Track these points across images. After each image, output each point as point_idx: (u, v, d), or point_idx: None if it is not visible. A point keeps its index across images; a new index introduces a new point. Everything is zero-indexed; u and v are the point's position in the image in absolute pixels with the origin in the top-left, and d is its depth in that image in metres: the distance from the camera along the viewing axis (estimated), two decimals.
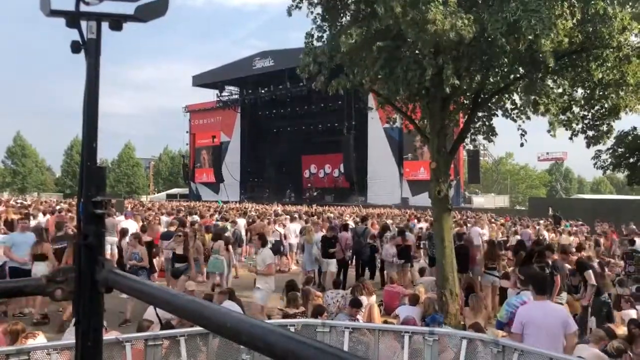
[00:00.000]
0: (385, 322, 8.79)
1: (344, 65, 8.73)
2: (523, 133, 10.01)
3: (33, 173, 76.36)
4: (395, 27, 7.62)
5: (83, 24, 1.28)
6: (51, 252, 10.21)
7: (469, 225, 19.12)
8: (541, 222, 25.38)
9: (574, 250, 12.80)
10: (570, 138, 9.94)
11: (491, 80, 9.25)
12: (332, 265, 13.34)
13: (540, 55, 7.37)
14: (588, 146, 10.20)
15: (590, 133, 9.91)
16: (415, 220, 22.50)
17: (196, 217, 20.43)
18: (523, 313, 5.96)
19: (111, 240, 14.58)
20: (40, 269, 9.58)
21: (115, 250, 14.33)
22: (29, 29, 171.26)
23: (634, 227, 22.30)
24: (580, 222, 26.15)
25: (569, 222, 26.05)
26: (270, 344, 0.81)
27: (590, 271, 9.41)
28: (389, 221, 21.09)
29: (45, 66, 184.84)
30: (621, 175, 16.77)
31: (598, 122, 9.69)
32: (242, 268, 16.27)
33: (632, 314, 8.63)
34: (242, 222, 18.41)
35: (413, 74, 7.80)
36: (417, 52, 7.60)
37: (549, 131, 9.51)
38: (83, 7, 1.26)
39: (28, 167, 75.63)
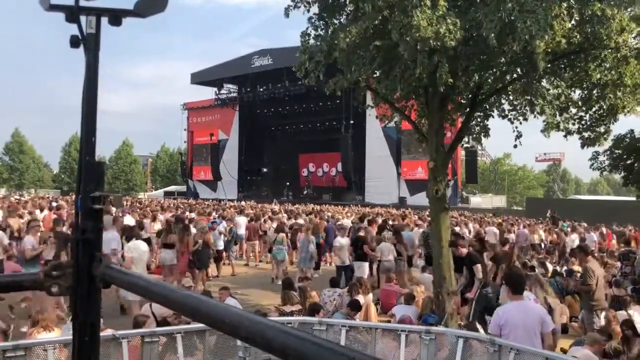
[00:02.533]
0: (389, 321, 8.82)
1: (341, 63, 8.71)
2: (519, 135, 10.04)
3: (30, 169, 76.22)
4: (388, 27, 7.63)
5: (82, 18, 1.28)
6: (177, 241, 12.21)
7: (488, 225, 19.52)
8: (535, 221, 25.47)
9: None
10: (565, 136, 9.95)
11: (489, 80, 9.26)
12: (364, 269, 12.61)
13: (535, 56, 7.38)
14: (583, 147, 10.23)
15: (586, 134, 9.92)
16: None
17: (192, 214, 20.46)
18: (500, 314, 5.99)
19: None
20: (166, 256, 11.94)
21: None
22: (28, 25, 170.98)
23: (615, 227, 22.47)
24: (577, 223, 26.23)
25: (566, 222, 26.13)
26: (268, 339, 0.81)
27: (479, 265, 9.52)
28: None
29: (43, 62, 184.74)
30: (618, 177, 16.83)
31: (595, 124, 9.70)
32: (237, 266, 16.30)
33: (624, 314, 8.66)
34: (241, 220, 18.38)
35: (411, 73, 7.80)
36: (406, 52, 7.57)
37: (542, 131, 9.53)
38: (82, 2, 1.26)
39: (25, 164, 75.48)
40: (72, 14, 1.25)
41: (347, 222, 18.38)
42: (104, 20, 1.30)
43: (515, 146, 10.04)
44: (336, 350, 0.73)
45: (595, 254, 15.93)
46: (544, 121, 9.49)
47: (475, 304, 9.14)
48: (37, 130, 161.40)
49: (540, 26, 6.80)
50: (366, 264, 12.69)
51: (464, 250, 9.93)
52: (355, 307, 8.33)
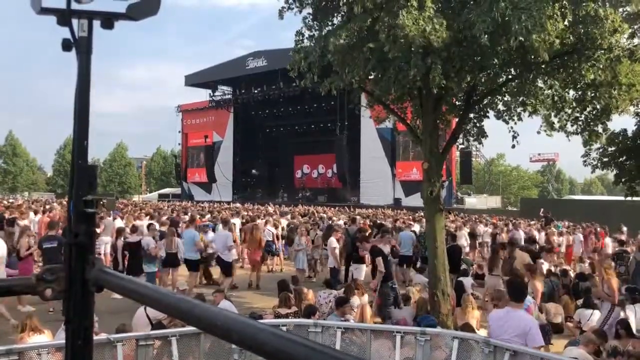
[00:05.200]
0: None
1: (335, 65, 8.72)
2: (515, 135, 10.06)
3: (24, 172, 75.90)
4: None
5: (74, 22, 1.27)
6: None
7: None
8: (532, 222, 25.54)
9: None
10: (567, 136, 10.03)
11: (482, 81, 9.29)
12: (360, 271, 12.30)
13: (533, 53, 7.40)
14: (585, 145, 10.38)
15: (584, 134, 9.99)
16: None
17: (186, 217, 20.41)
18: (490, 317, 6.07)
19: (106, 239, 14.59)
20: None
21: (109, 249, 14.31)
22: (20, 27, 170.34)
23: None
24: (573, 224, 26.30)
25: (560, 222, 26.20)
26: (261, 342, 0.81)
27: (380, 258, 9.87)
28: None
29: (37, 65, 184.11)
30: (611, 176, 17.00)
31: (591, 124, 9.75)
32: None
33: (620, 314, 8.70)
34: (235, 222, 18.34)
35: (404, 74, 7.81)
36: (391, 53, 7.59)
37: (544, 131, 9.58)
38: (74, 5, 1.25)
39: (19, 167, 75.18)
40: (64, 17, 1.25)
41: (341, 224, 18.39)
42: (96, 24, 1.30)
43: (513, 146, 10.08)
44: (329, 354, 0.73)
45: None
46: (543, 121, 9.55)
47: (381, 296, 9.49)
48: (31, 133, 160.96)
49: (536, 21, 6.83)
50: (363, 266, 12.69)
51: (368, 246, 10.29)
52: (341, 302, 8.23)
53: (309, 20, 9.09)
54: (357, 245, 12.08)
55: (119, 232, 13.36)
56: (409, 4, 7.01)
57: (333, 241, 13.13)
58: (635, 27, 9.46)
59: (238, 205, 37.37)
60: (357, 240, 11.23)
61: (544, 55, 7.33)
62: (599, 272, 9.01)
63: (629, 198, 14.86)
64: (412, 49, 7.31)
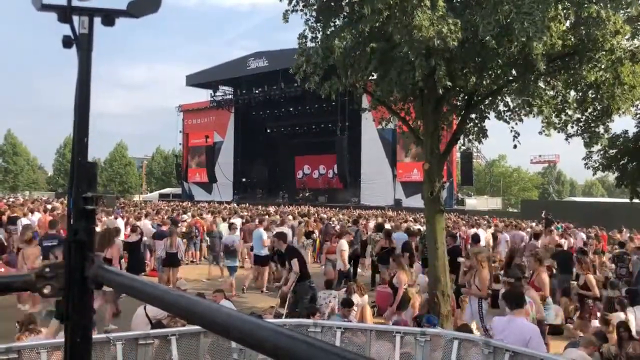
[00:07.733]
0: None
1: (338, 66, 8.71)
2: (516, 135, 10.05)
3: (24, 171, 75.91)
4: (387, 29, 7.65)
5: (75, 18, 1.27)
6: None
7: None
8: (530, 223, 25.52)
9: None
10: (567, 139, 10.01)
11: (484, 82, 9.27)
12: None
13: (533, 58, 7.39)
14: (586, 146, 10.35)
15: (585, 135, 9.97)
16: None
17: (185, 217, 20.43)
18: (494, 323, 6.07)
19: None
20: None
21: None
22: (20, 25, 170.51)
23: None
24: (573, 225, 26.27)
25: (560, 224, 26.19)
26: (260, 339, 0.81)
27: (296, 259, 9.93)
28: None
29: (37, 63, 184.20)
30: (612, 178, 16.95)
31: (592, 125, 9.73)
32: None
33: (621, 316, 8.68)
34: (236, 222, 18.33)
35: (407, 75, 7.80)
36: (410, 53, 7.58)
37: (542, 132, 9.55)
38: (75, 2, 1.25)
39: (19, 166, 75.18)
40: (65, 14, 1.24)
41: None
42: (97, 21, 1.30)
43: (515, 146, 10.05)
44: (328, 350, 0.73)
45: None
46: (542, 121, 9.52)
47: (298, 295, 9.68)
48: (31, 133, 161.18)
49: (538, 28, 6.81)
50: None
51: (284, 246, 10.51)
52: (347, 304, 8.30)
53: (311, 22, 9.07)
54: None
55: (115, 232, 13.31)
56: (422, 3, 7.00)
57: (343, 243, 13.05)
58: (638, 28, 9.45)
59: (235, 205, 37.46)
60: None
61: (541, 66, 7.32)
62: (478, 266, 8.62)
63: (635, 200, 14.73)
64: (417, 48, 7.28)
